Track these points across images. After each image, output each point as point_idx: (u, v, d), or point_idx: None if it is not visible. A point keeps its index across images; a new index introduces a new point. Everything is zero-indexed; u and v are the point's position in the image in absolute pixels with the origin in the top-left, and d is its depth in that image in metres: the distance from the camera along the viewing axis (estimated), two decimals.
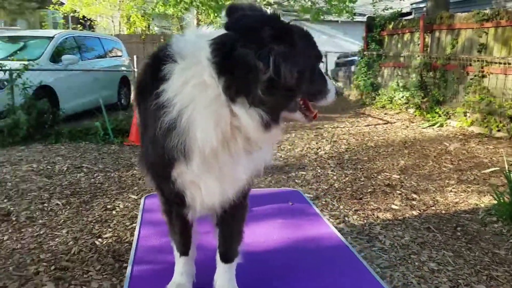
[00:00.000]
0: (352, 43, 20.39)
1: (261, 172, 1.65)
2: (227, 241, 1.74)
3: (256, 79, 1.24)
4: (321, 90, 1.50)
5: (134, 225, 3.66)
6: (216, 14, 12.75)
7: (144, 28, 21.52)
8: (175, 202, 1.63)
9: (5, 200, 4.48)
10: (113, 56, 11.45)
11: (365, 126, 9.29)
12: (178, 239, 1.78)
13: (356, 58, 14.50)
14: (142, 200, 2.99)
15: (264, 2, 14.62)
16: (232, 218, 1.70)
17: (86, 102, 9.05)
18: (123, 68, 11.24)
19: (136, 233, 2.46)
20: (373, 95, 11.95)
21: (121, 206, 4.46)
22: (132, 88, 8.83)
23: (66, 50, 9.28)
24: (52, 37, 9.10)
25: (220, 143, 1.36)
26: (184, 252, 1.79)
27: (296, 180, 5.46)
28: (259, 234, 2.38)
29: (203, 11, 13.06)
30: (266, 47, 1.24)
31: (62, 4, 22.08)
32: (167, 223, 1.79)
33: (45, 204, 4.40)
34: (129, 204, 4.53)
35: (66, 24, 23.44)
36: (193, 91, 1.30)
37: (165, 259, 2.01)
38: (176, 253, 1.83)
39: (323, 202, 4.57)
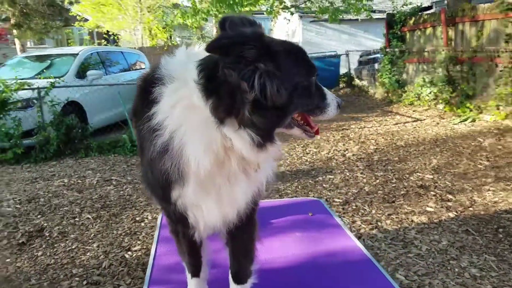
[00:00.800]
0: (374, 41, 20.04)
1: (263, 191, 1.57)
2: (237, 261, 1.68)
3: (242, 100, 1.20)
4: (318, 104, 1.43)
5: None
6: None
7: (165, 39, 21.82)
8: (179, 223, 1.60)
9: (38, 216, 4.56)
10: (137, 69, 11.62)
11: (394, 124, 9.05)
12: (187, 260, 1.74)
13: (378, 55, 14.23)
14: (159, 216, 2.93)
15: (281, 6, 14.55)
16: (241, 236, 1.66)
17: (112, 115, 9.19)
18: None
19: (152, 251, 2.40)
20: (399, 92, 11.68)
21: (150, 217, 4.45)
22: None
23: (91, 66, 9.47)
24: (77, 54, 9.31)
25: (215, 165, 1.33)
26: (195, 272, 1.75)
27: (324, 185, 5.31)
28: (276, 250, 2.25)
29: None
30: (249, 66, 1.19)
31: (86, 20, 22.72)
32: (176, 243, 1.76)
33: (76, 219, 4.45)
34: (157, 215, 4.52)
35: (92, 39, 24.06)
36: (183, 113, 1.29)
37: (182, 279, 1.95)
38: (188, 274, 1.78)
39: (354, 207, 4.42)
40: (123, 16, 21.35)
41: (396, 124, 9.10)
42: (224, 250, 1.81)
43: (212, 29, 18.81)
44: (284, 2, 15.01)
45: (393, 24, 11.92)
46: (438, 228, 3.83)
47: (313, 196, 4.84)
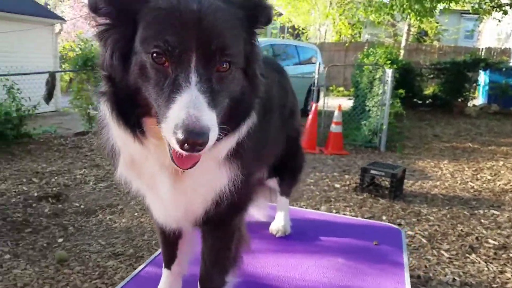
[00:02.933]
0: None
1: (210, 199, 1.30)
2: (204, 264, 1.50)
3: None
4: (159, 104, 0.98)
5: None
6: (421, 18, 11.45)
7: (349, 36, 21.35)
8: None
9: None
10: (308, 63, 11.56)
11: None
12: (161, 249, 1.65)
13: None
14: None
15: (493, 4, 12.27)
16: (212, 241, 1.46)
17: None
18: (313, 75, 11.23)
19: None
20: None
21: None
22: (313, 93, 8.68)
23: None
24: None
25: (139, 155, 1.18)
26: (166, 264, 1.63)
27: (482, 220, 4.27)
28: (301, 269, 1.84)
29: (407, 15, 11.89)
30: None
31: (281, 15, 24.01)
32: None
33: None
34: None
35: (281, 33, 25.34)
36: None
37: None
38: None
39: (510, 255, 3.38)
40: (314, 11, 21.75)
41: None
42: None
43: (403, 26, 17.47)
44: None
45: None
46: None
47: (461, 229, 3.93)
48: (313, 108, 7.54)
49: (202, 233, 1.47)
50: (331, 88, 15.96)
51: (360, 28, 22.59)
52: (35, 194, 4.61)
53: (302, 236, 2.15)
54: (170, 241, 1.59)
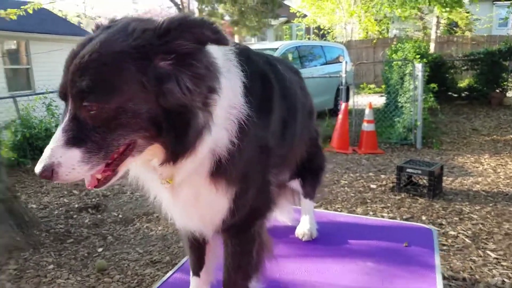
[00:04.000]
0: None
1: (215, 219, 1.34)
2: (227, 271, 1.48)
3: None
4: None
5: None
6: (447, 10, 11.07)
7: (376, 32, 20.95)
8: None
9: None
10: (334, 63, 11.42)
11: None
12: (188, 256, 1.66)
13: None
14: None
15: None
16: (233, 248, 1.46)
17: None
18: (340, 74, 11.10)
19: None
20: None
21: None
22: (341, 92, 8.55)
23: (288, 59, 9.76)
24: (276, 49, 9.71)
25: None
26: (194, 271, 1.63)
27: None
28: (328, 274, 1.78)
29: (433, 8, 11.52)
30: None
31: (305, 16, 23.88)
32: None
33: None
34: None
35: (307, 34, 25.19)
36: None
37: None
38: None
39: None
40: (339, 10, 21.50)
41: None
42: None
43: (432, 19, 16.95)
44: None
45: None
46: None
47: (508, 227, 3.74)
48: (342, 108, 7.42)
49: (223, 240, 1.47)
50: (361, 86, 15.69)
51: (388, 24, 22.10)
52: (76, 206, 4.75)
53: (329, 239, 2.08)
54: (197, 248, 1.58)
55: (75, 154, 1.00)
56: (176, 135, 1.06)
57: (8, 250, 3.21)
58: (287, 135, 1.54)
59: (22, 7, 5.51)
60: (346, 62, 8.60)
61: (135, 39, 1.02)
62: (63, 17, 20.02)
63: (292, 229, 2.14)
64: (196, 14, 14.07)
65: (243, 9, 12.86)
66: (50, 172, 0.99)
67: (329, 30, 23.02)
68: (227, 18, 14.48)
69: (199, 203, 1.29)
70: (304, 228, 2.10)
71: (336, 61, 11.56)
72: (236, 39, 14.58)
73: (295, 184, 2.05)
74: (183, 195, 1.27)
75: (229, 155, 1.20)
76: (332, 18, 22.18)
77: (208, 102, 1.10)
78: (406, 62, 7.77)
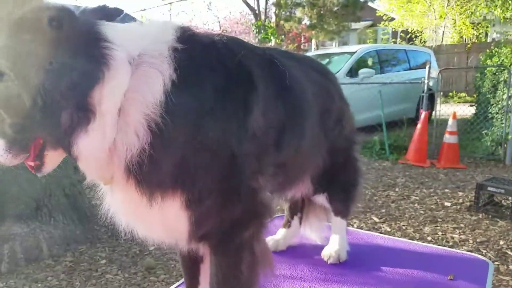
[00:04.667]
0: None
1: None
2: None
3: None
4: None
5: None
6: None
7: (471, 36, 19.27)
8: None
9: None
10: (420, 68, 10.69)
11: None
12: (183, 274, 1.56)
13: None
14: None
15: None
16: (217, 262, 1.29)
17: (371, 116, 8.77)
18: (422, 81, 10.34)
19: None
20: None
21: (355, 226, 4.08)
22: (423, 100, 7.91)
23: (366, 64, 9.33)
24: (354, 52, 9.35)
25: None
26: None
27: None
28: None
29: None
30: None
31: (393, 19, 22.80)
32: None
33: None
34: (364, 225, 4.12)
35: (394, 38, 24.02)
36: None
37: None
38: None
39: None
40: (430, 12, 20.23)
41: None
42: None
43: None
44: None
45: None
46: None
47: None
48: (422, 117, 6.88)
49: (208, 254, 1.32)
50: (450, 94, 14.53)
51: (487, 27, 20.25)
52: None
53: (359, 264, 1.83)
54: (190, 266, 1.47)
55: (1, 142, 1.07)
56: (54, 134, 1.05)
57: (67, 242, 3.42)
58: (285, 140, 1.36)
59: None
60: (429, 68, 7.99)
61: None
62: None
63: (320, 249, 1.93)
64: (274, 19, 14.14)
65: (322, 12, 12.60)
66: None
67: (418, 34, 21.72)
68: (305, 22, 14.31)
69: (137, 213, 1.18)
70: (331, 249, 1.87)
71: (423, 66, 10.82)
72: (314, 43, 14.39)
73: (321, 199, 1.85)
74: (123, 203, 1.19)
75: (148, 162, 1.07)
76: (422, 21, 20.91)
77: (81, 99, 1.00)
78: (502, 68, 6.99)
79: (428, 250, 2.02)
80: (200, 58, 1.15)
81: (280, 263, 1.81)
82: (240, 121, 1.19)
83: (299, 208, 2.02)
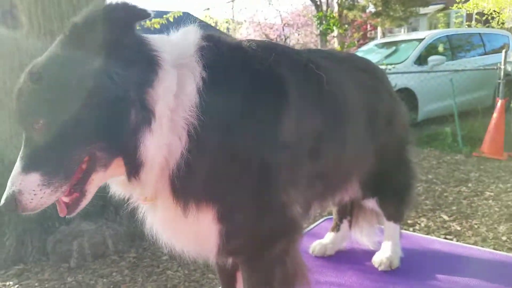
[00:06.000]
0: None
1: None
2: None
3: None
4: None
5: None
6: None
7: None
8: None
9: None
10: (498, 53, 9.83)
11: None
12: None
13: None
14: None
15: None
16: (248, 277, 1.27)
17: (444, 105, 8.23)
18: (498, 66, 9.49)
19: None
20: None
21: (422, 225, 3.85)
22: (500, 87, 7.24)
23: (435, 51, 8.77)
24: (422, 39, 8.83)
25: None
26: None
27: None
28: None
29: None
30: None
31: (467, 1, 21.17)
32: None
33: None
34: (432, 224, 3.86)
35: (468, 21, 22.34)
36: None
37: None
38: None
39: None
40: None
41: None
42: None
43: None
44: None
45: None
46: None
47: None
48: (498, 105, 6.32)
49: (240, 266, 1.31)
50: None
51: None
52: None
53: (413, 272, 1.71)
54: (226, 275, 1.44)
55: (34, 178, 0.96)
56: (118, 137, 0.98)
57: (131, 239, 3.59)
58: (322, 149, 1.29)
59: (164, 16, 6.14)
60: (506, 52, 7.31)
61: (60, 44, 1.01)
62: (213, 24, 21.65)
63: (372, 254, 1.83)
64: (336, 9, 13.72)
65: None
66: (13, 202, 0.95)
67: (495, 15, 19.96)
68: (369, 9, 13.73)
69: (173, 225, 1.17)
70: (382, 256, 1.76)
71: (500, 51, 9.95)
72: (380, 32, 13.77)
73: (372, 203, 1.74)
74: (161, 216, 1.17)
75: (185, 169, 1.04)
76: (500, 0, 19.14)
77: (143, 97, 0.98)
78: None
79: (491, 256, 1.83)
80: (228, 64, 1.14)
81: (327, 269, 1.75)
82: (269, 129, 1.15)
83: (348, 211, 1.93)
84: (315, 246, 1.92)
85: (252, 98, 1.13)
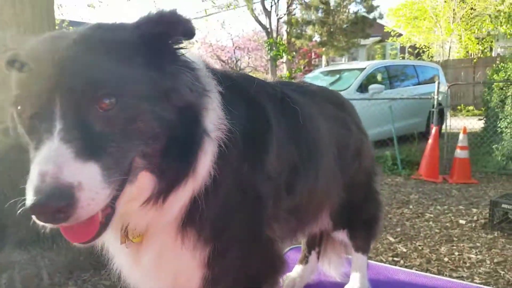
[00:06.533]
0: None
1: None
2: None
3: None
4: None
5: None
6: None
7: (477, 51, 19.20)
8: None
9: None
10: (429, 83, 10.62)
11: None
12: None
13: None
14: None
15: None
16: None
17: (381, 131, 8.66)
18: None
19: None
20: None
21: (371, 247, 3.87)
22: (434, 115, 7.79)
23: (375, 80, 9.29)
24: (364, 68, 9.32)
25: None
26: None
27: None
28: None
29: None
30: None
31: (400, 35, 22.83)
32: None
33: None
34: (380, 246, 3.94)
35: (401, 54, 24.04)
36: None
37: None
38: None
39: None
40: (437, 28, 20.28)
41: None
42: None
43: None
44: None
45: None
46: None
47: None
48: (433, 132, 6.75)
49: None
50: (459, 107, 14.43)
51: (491, 42, 20.14)
52: None
53: None
54: None
55: (95, 170, 0.73)
56: (181, 144, 0.85)
57: (69, 270, 3.32)
58: (297, 183, 1.25)
59: None
60: (438, 83, 7.90)
61: (139, 29, 0.88)
62: None
63: (340, 286, 1.80)
64: (285, 37, 14.25)
65: (332, 30, 12.66)
66: (70, 198, 0.68)
67: (425, 49, 21.73)
68: (315, 39, 14.38)
69: (163, 267, 1.03)
70: None
71: (431, 81, 10.77)
72: (324, 60, 14.42)
73: (341, 235, 1.71)
74: (148, 257, 1.01)
75: (205, 194, 0.95)
76: (429, 37, 20.94)
77: (202, 109, 0.94)
78: (509, 83, 6.92)
79: (452, 286, 1.86)
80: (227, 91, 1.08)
81: None
82: (259, 160, 1.10)
83: (317, 242, 1.89)
84: (283, 280, 1.84)
85: (244, 131, 1.07)
